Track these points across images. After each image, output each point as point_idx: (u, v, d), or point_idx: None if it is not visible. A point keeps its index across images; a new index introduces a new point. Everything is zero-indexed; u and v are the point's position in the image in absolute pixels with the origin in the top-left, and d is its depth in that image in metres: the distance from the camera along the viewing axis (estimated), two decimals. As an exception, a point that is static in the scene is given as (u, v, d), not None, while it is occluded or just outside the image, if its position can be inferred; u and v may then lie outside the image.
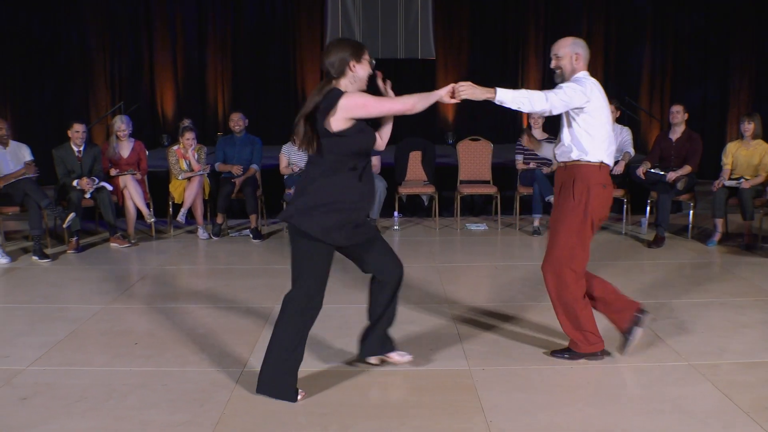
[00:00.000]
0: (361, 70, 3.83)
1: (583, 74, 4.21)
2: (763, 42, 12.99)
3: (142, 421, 3.47)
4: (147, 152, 8.24)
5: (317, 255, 3.74)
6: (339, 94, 3.67)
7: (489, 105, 4.31)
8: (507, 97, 3.94)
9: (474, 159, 8.80)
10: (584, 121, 4.12)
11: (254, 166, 8.20)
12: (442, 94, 3.92)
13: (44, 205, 6.98)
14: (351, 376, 4.06)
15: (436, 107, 13.42)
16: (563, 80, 4.23)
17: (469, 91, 3.88)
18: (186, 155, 7.97)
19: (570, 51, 4.21)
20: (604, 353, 4.29)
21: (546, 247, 4.31)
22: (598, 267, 6.57)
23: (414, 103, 3.86)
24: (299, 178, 4.09)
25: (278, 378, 3.73)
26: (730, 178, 7.57)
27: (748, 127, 7.53)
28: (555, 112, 4.07)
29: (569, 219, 4.18)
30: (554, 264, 4.21)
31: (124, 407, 3.62)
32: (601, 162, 4.16)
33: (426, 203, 9.50)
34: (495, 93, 3.91)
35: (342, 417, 3.53)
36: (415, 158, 8.84)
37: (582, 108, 4.08)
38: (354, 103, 3.68)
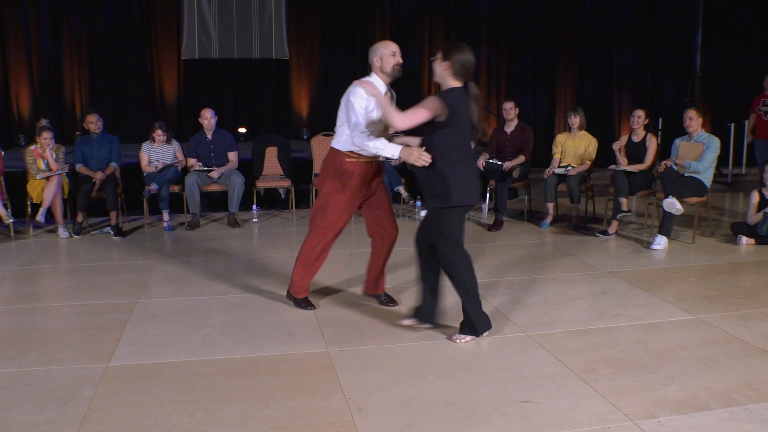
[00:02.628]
0: None
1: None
2: (585, 44, 13.74)
3: (5, 422, 3.28)
4: (3, 153, 7.78)
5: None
6: None
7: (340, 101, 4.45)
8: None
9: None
10: None
11: (114, 164, 7.89)
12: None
13: None
14: (215, 364, 4.00)
15: (290, 103, 13.44)
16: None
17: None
18: (44, 155, 7.57)
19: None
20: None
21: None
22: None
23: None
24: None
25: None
26: (559, 166, 7.92)
27: (575, 120, 7.91)
28: None
29: None
30: None
31: (-14, 409, 3.43)
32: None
33: (283, 196, 9.45)
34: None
35: (207, 403, 3.47)
36: (271, 153, 8.77)
37: None
38: None
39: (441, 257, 4.24)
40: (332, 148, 4.80)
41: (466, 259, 4.26)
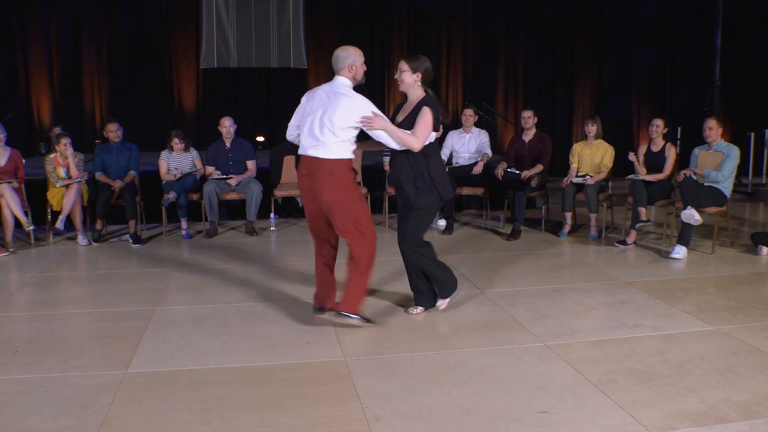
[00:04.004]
0: None
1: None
2: (603, 53, 13.71)
3: (25, 428, 3.30)
4: (24, 160, 7.85)
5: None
6: None
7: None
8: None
9: (345, 161, 8.80)
10: None
11: (133, 173, 7.96)
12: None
13: None
14: (232, 371, 4.01)
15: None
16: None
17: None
18: (65, 162, 7.64)
19: None
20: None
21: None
22: (461, 259, 6.74)
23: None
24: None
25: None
26: (576, 176, 7.89)
27: (591, 128, 7.88)
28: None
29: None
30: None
31: (6, 415, 3.43)
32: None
33: (300, 204, 9.46)
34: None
35: (224, 411, 3.48)
36: (289, 162, 8.79)
37: None
38: None
39: (409, 252, 4.81)
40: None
41: (429, 250, 4.91)
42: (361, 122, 4.44)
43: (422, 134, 4.51)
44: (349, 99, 4.49)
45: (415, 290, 5.06)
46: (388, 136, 4.50)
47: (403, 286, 5.52)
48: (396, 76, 4.76)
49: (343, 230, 4.59)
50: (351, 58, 4.56)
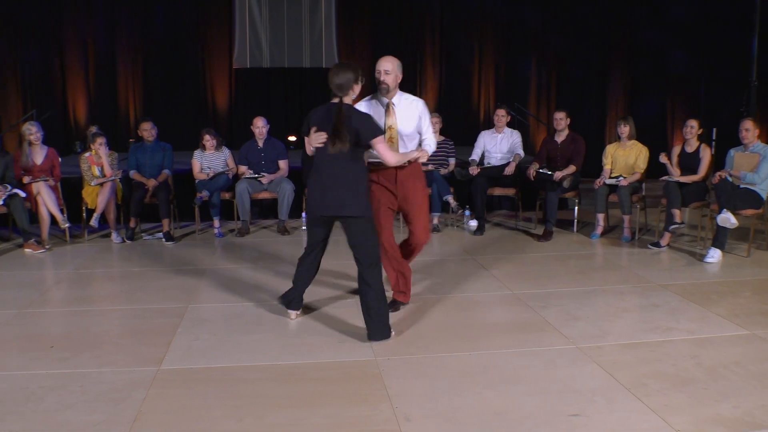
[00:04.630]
0: (358, 89, 4.50)
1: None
2: (636, 54, 13.57)
3: (59, 421, 3.35)
4: (60, 159, 7.97)
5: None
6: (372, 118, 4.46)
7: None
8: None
9: (377, 161, 8.81)
10: None
11: (166, 172, 8.04)
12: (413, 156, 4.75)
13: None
14: (263, 369, 4.03)
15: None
16: (388, 92, 4.83)
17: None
18: (99, 161, 7.74)
19: (398, 70, 4.83)
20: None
21: (416, 223, 5.03)
22: (493, 260, 6.71)
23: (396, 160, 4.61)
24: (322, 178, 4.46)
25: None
26: (610, 177, 7.82)
27: (624, 129, 7.80)
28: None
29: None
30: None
31: (42, 410, 3.49)
32: None
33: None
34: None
35: (255, 408, 3.50)
36: (321, 162, 8.81)
37: None
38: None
39: None
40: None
41: (300, 264, 4.90)
42: None
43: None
44: None
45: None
46: None
47: (424, 287, 5.53)
48: None
49: None
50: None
